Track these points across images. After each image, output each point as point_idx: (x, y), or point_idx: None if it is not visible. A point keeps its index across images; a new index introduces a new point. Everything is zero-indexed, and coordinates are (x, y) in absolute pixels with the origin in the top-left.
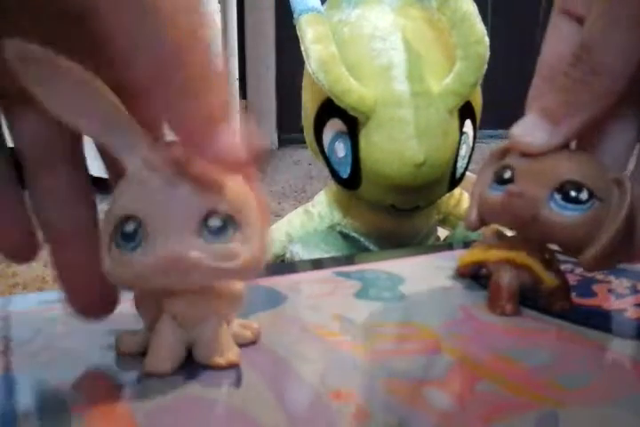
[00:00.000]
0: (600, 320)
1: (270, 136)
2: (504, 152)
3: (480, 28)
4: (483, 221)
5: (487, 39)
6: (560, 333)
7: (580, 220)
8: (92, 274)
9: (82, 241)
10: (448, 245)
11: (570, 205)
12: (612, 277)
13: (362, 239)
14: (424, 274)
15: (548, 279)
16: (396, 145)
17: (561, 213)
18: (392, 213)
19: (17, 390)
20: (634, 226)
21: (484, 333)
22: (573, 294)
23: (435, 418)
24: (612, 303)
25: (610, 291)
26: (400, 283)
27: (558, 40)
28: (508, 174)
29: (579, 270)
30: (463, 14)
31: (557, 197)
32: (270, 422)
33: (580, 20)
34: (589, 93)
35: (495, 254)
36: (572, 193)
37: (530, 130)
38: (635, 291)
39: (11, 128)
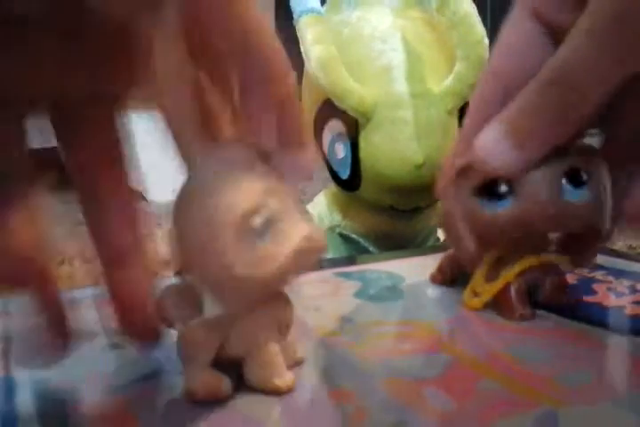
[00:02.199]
0: (600, 317)
1: None
2: (467, 168)
3: (480, 29)
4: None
5: (487, 40)
6: (560, 330)
7: (591, 199)
8: (149, 294)
9: (141, 256)
10: (448, 247)
11: (578, 189)
12: (611, 278)
13: (361, 241)
14: (424, 274)
15: (559, 258)
16: (396, 146)
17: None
18: (392, 215)
19: (17, 391)
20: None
21: (483, 332)
22: (573, 293)
23: (435, 418)
24: (612, 301)
25: (609, 289)
26: (400, 282)
27: (522, 44)
28: (503, 188)
29: (579, 270)
30: (463, 15)
31: (567, 186)
32: (270, 422)
33: (547, 24)
34: (566, 116)
35: (513, 272)
36: (576, 177)
37: (495, 150)
38: (634, 290)
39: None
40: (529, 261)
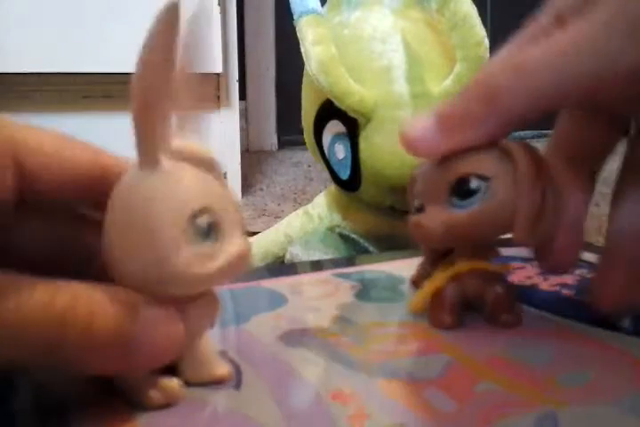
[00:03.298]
0: (600, 317)
1: (270, 137)
2: (413, 181)
3: (480, 30)
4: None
5: (487, 41)
6: (560, 330)
7: (482, 207)
8: None
9: None
10: None
11: (466, 201)
12: None
13: (361, 241)
14: None
15: (498, 267)
16: (396, 146)
17: (464, 212)
18: (391, 215)
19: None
20: (548, 195)
21: (483, 332)
22: (572, 293)
23: (434, 419)
24: None
25: None
26: (400, 283)
27: None
28: (417, 203)
29: (578, 271)
30: (463, 16)
31: (455, 200)
32: (270, 424)
33: None
34: (486, 109)
35: (440, 277)
36: (464, 188)
37: (420, 131)
38: None
39: None
40: (458, 267)
